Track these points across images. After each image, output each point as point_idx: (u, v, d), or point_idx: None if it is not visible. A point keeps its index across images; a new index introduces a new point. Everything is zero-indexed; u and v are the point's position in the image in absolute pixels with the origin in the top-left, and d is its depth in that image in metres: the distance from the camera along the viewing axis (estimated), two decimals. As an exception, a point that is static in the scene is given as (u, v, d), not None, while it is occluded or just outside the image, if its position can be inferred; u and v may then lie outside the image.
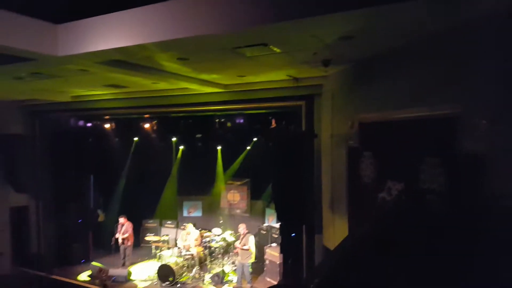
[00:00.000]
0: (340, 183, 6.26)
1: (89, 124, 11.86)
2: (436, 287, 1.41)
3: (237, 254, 9.88)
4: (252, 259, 9.61)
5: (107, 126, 11.58)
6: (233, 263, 10.65)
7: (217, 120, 10.04)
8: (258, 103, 7.94)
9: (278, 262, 9.46)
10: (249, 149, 11.63)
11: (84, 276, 10.32)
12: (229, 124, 10.12)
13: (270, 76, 6.88)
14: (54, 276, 10.27)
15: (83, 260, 11.37)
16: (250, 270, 9.64)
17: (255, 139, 11.22)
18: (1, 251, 10.70)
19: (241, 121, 9.73)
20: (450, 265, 1.54)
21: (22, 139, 10.86)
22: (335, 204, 6.63)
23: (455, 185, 3.72)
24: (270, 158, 6.91)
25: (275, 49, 4.94)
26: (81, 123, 11.74)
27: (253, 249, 9.55)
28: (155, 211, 13.17)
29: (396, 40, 4.47)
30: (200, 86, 7.50)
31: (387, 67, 5.09)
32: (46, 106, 10.77)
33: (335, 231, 6.64)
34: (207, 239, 11.01)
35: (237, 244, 9.90)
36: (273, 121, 7.77)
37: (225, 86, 7.79)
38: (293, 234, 7.31)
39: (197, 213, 13.11)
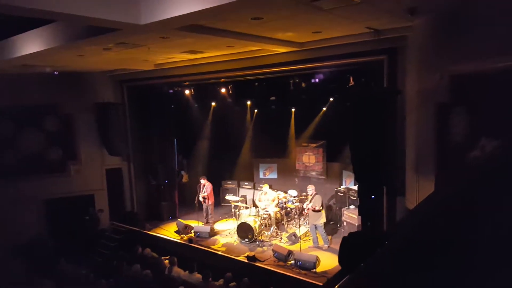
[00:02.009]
0: (427, 142, 5.85)
1: (170, 91, 12.49)
2: None
3: (307, 215, 9.94)
4: (323, 220, 9.59)
5: (187, 92, 12.08)
6: (308, 224, 10.77)
7: (291, 81, 9.85)
8: (335, 60, 7.60)
9: (356, 224, 9.36)
10: (325, 110, 11.33)
11: (171, 232, 11.23)
12: (303, 84, 9.87)
13: (348, 30, 6.50)
14: (146, 231, 11.40)
15: (170, 217, 12.35)
16: (324, 231, 9.66)
17: (331, 99, 10.86)
18: (101, 208, 12.08)
19: (317, 81, 9.42)
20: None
21: (113, 106, 11.86)
22: (420, 164, 6.25)
23: None
24: (348, 118, 6.64)
25: (355, -1, 4.62)
26: (164, 90, 12.42)
27: (317, 208, 9.43)
28: (233, 172, 13.68)
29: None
30: (275, 46, 7.38)
31: (486, 11, 4.48)
32: (132, 75, 11.58)
33: (419, 193, 6.30)
34: (284, 200, 11.24)
35: (305, 205, 9.94)
36: (351, 79, 7.40)
37: (300, 44, 7.56)
38: (372, 196, 7.07)
39: (273, 175, 13.36)
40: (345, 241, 1.78)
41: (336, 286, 1.36)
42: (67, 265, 8.79)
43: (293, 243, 9.80)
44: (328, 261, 8.68)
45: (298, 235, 9.89)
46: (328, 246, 9.54)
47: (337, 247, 9.45)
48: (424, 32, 6.00)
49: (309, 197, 9.73)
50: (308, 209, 9.62)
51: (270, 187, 11.39)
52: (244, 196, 12.49)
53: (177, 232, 11.03)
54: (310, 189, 9.79)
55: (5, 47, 7.67)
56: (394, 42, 6.68)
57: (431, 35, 5.76)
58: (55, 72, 10.67)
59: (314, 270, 8.23)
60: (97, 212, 11.80)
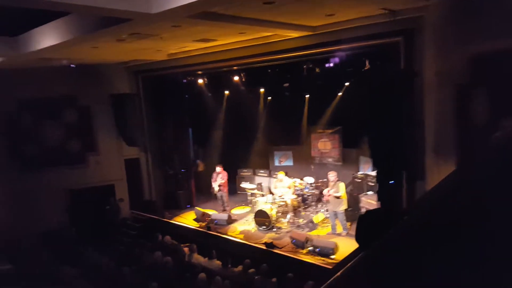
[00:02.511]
0: (446, 124, 5.71)
1: (184, 81, 12.52)
2: None
3: (327, 201, 9.89)
4: (345, 206, 9.52)
5: (200, 81, 12.07)
6: (326, 210, 10.73)
7: (304, 67, 9.68)
8: (349, 43, 7.39)
9: (374, 210, 9.27)
10: (341, 95, 11.14)
11: (190, 219, 11.37)
12: (317, 69, 9.68)
13: (362, 11, 6.33)
14: (165, 219, 11.58)
15: (188, 205, 12.51)
16: (344, 217, 9.60)
17: (346, 83, 10.67)
18: (121, 197, 12.32)
19: (331, 65, 9.22)
20: None
21: (129, 97, 11.99)
22: (440, 147, 6.11)
23: None
24: (364, 102, 6.53)
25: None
26: (178, 80, 12.46)
27: (341, 194, 9.40)
28: (249, 160, 13.70)
29: None
30: (287, 31, 7.27)
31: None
32: (146, 66, 11.64)
33: (440, 177, 6.17)
34: (300, 187, 11.21)
35: (325, 191, 9.86)
36: (367, 62, 7.23)
37: (313, 28, 7.41)
38: (391, 182, 6.96)
39: (288, 162, 13.33)
40: (362, 219, 1.79)
41: (350, 263, 1.35)
42: (90, 253, 9.04)
43: (311, 229, 9.80)
44: (347, 247, 8.63)
45: (315, 222, 9.88)
46: (347, 233, 9.49)
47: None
48: (441, 11, 5.80)
49: (331, 184, 9.63)
50: (329, 195, 9.54)
51: (286, 174, 11.36)
52: (260, 184, 12.51)
53: (196, 220, 11.16)
54: (332, 175, 9.64)
55: (22, 41, 7.79)
56: (410, 23, 6.46)
57: (449, 14, 5.57)
58: (72, 65, 10.80)
59: (333, 256, 8.22)
60: (117, 201, 12.04)
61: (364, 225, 1.79)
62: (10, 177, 10.57)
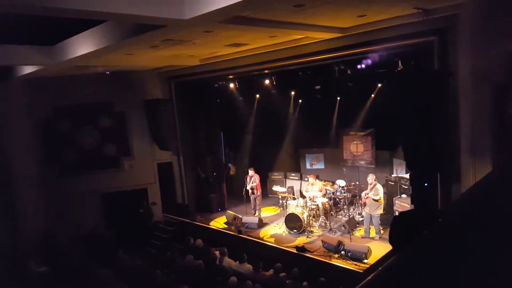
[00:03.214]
0: (483, 125, 5.48)
1: (216, 85, 12.71)
2: None
3: (364, 204, 9.70)
4: (381, 210, 9.32)
5: (231, 85, 12.19)
6: (359, 214, 10.53)
7: (336, 68, 9.56)
8: (382, 44, 7.24)
9: (408, 214, 8.99)
10: (373, 97, 10.91)
11: (221, 223, 11.48)
12: (349, 71, 9.51)
13: (394, 12, 6.20)
14: (197, 222, 11.73)
15: (220, 209, 12.60)
16: (379, 221, 9.39)
17: (379, 84, 10.45)
18: (154, 201, 12.58)
19: (363, 66, 9.05)
20: None
21: (162, 102, 12.29)
22: (476, 148, 5.86)
23: None
24: (397, 103, 6.38)
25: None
26: (209, 84, 12.65)
27: (380, 197, 9.21)
28: (280, 164, 13.67)
29: None
30: (318, 33, 7.23)
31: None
32: (179, 71, 11.91)
33: (476, 180, 5.93)
34: (332, 190, 11.06)
35: (363, 194, 9.68)
36: (400, 63, 7.05)
37: (344, 29, 7.33)
38: (426, 184, 6.75)
39: (320, 165, 13.20)
40: (396, 220, 1.76)
41: (381, 267, 1.32)
42: (124, 256, 9.28)
43: (343, 233, 9.64)
44: (380, 251, 8.44)
45: (348, 226, 9.70)
46: (380, 237, 9.28)
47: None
48: (476, 9, 5.58)
49: (369, 186, 9.48)
50: (368, 197, 9.39)
51: (317, 177, 11.25)
52: (291, 187, 12.46)
53: (227, 223, 11.25)
54: (370, 178, 9.53)
55: (60, 49, 8.11)
56: (444, 21, 6.25)
57: (484, 11, 5.35)
58: (107, 72, 11.20)
59: (366, 260, 8.05)
60: (150, 205, 12.31)
61: (398, 226, 1.75)
62: (49, 181, 11.07)
